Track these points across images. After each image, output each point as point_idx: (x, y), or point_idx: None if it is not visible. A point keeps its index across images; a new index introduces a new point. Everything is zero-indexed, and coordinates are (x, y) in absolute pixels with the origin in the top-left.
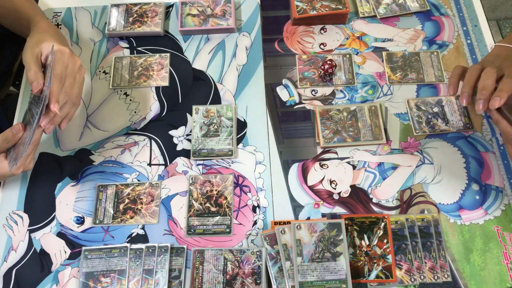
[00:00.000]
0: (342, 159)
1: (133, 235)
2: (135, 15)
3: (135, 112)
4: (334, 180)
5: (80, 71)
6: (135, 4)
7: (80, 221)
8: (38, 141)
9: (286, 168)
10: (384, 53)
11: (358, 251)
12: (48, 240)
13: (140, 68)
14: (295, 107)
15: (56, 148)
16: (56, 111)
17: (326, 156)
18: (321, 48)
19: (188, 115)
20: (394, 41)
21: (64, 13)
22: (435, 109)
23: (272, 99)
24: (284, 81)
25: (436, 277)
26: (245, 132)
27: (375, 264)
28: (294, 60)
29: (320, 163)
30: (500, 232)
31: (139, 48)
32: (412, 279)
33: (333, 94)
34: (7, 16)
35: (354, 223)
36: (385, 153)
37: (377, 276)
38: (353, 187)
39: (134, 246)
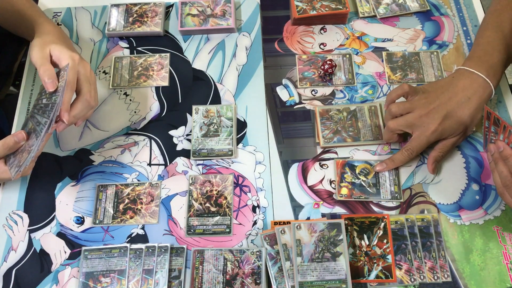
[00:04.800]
0: (343, 158)
1: (133, 235)
2: (135, 15)
3: (135, 112)
4: (334, 180)
5: (91, 75)
6: (135, 4)
7: (80, 221)
8: (41, 149)
9: (286, 168)
10: (384, 53)
11: (358, 251)
12: (48, 240)
13: (140, 68)
14: (295, 107)
15: (56, 148)
16: (66, 121)
17: (326, 156)
18: (321, 48)
19: (188, 115)
20: (394, 41)
21: (64, 13)
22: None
23: (272, 99)
24: (284, 81)
25: (436, 277)
26: (245, 132)
27: (375, 264)
28: (294, 60)
29: (320, 163)
30: (500, 232)
31: (139, 48)
32: (412, 279)
33: (333, 94)
34: (9, 18)
35: (354, 223)
36: (385, 153)
37: (377, 276)
38: None
39: (134, 246)
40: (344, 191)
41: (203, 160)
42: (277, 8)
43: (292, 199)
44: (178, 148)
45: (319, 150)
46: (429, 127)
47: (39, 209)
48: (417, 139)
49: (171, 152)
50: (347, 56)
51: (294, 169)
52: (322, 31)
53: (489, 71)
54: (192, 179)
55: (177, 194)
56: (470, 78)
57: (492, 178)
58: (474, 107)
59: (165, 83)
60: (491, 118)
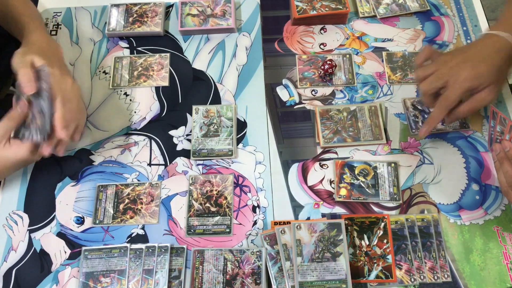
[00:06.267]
0: (342, 159)
1: (133, 235)
2: (135, 15)
3: (135, 112)
4: (334, 181)
5: (73, 89)
6: (135, 4)
7: (80, 221)
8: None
9: (286, 168)
10: (384, 53)
11: (358, 251)
12: (48, 240)
13: (140, 68)
14: (295, 107)
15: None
16: (63, 137)
17: (326, 156)
18: (321, 48)
19: (188, 115)
20: (394, 41)
21: (64, 13)
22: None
23: (272, 99)
24: (284, 81)
25: (436, 277)
26: (245, 132)
27: (375, 264)
28: (294, 60)
29: (320, 163)
30: (500, 232)
31: (139, 48)
32: (412, 279)
33: (333, 94)
34: (4, 19)
35: (354, 223)
36: (385, 153)
37: (377, 276)
38: None
39: (134, 246)
40: (343, 192)
41: (203, 160)
42: (277, 8)
43: (292, 199)
44: (178, 148)
45: (319, 150)
46: (461, 73)
47: (39, 209)
48: (451, 88)
49: (171, 152)
50: (347, 56)
51: (294, 169)
52: (322, 31)
53: None
54: (192, 179)
55: (177, 194)
56: (493, 39)
57: (492, 178)
58: (501, 61)
59: (165, 83)
60: (497, 118)
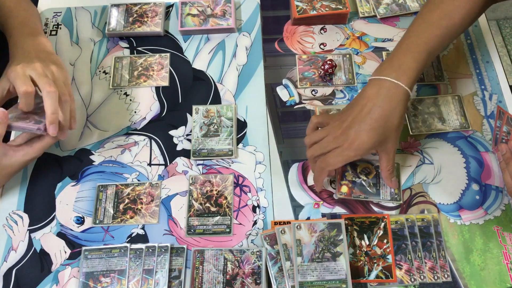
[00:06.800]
0: None
1: (133, 235)
2: (135, 15)
3: (135, 112)
4: (334, 180)
5: (60, 70)
6: (135, 4)
7: (80, 221)
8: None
9: (286, 168)
10: (384, 53)
11: (358, 251)
12: (48, 240)
13: (140, 68)
14: (295, 107)
15: (56, 148)
16: (54, 133)
17: None
18: (321, 48)
19: (188, 115)
20: (394, 41)
21: (64, 13)
22: (432, 109)
23: (272, 99)
24: (284, 81)
25: (436, 277)
26: (245, 132)
27: (375, 264)
28: (294, 60)
29: None
30: (500, 232)
31: (139, 48)
32: (412, 279)
33: (333, 94)
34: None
35: (354, 223)
36: None
37: (377, 276)
38: None
39: (134, 246)
40: (344, 189)
41: (203, 160)
42: (277, 8)
43: (292, 199)
44: (178, 148)
45: None
46: (344, 145)
47: (39, 209)
48: (334, 155)
49: (171, 152)
50: (347, 56)
51: (294, 169)
52: (322, 31)
53: (398, 71)
54: (192, 179)
55: (177, 194)
56: (377, 85)
57: (492, 178)
58: (385, 111)
59: (165, 83)
60: (504, 118)
